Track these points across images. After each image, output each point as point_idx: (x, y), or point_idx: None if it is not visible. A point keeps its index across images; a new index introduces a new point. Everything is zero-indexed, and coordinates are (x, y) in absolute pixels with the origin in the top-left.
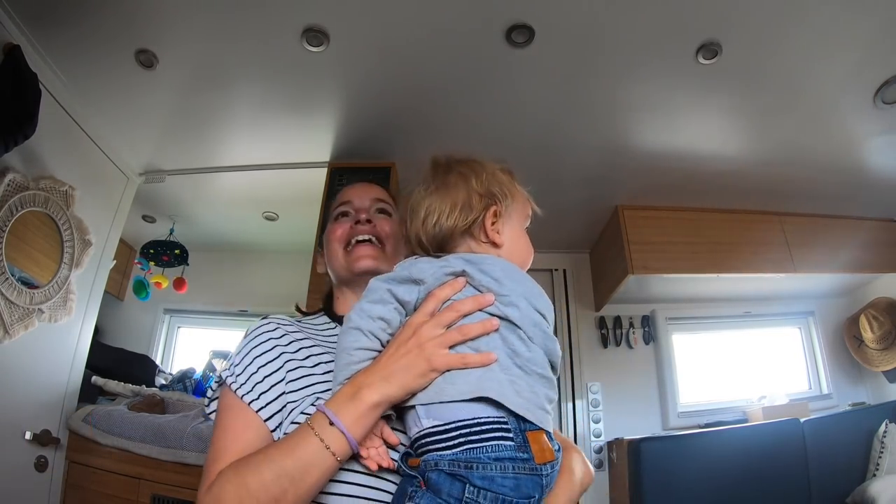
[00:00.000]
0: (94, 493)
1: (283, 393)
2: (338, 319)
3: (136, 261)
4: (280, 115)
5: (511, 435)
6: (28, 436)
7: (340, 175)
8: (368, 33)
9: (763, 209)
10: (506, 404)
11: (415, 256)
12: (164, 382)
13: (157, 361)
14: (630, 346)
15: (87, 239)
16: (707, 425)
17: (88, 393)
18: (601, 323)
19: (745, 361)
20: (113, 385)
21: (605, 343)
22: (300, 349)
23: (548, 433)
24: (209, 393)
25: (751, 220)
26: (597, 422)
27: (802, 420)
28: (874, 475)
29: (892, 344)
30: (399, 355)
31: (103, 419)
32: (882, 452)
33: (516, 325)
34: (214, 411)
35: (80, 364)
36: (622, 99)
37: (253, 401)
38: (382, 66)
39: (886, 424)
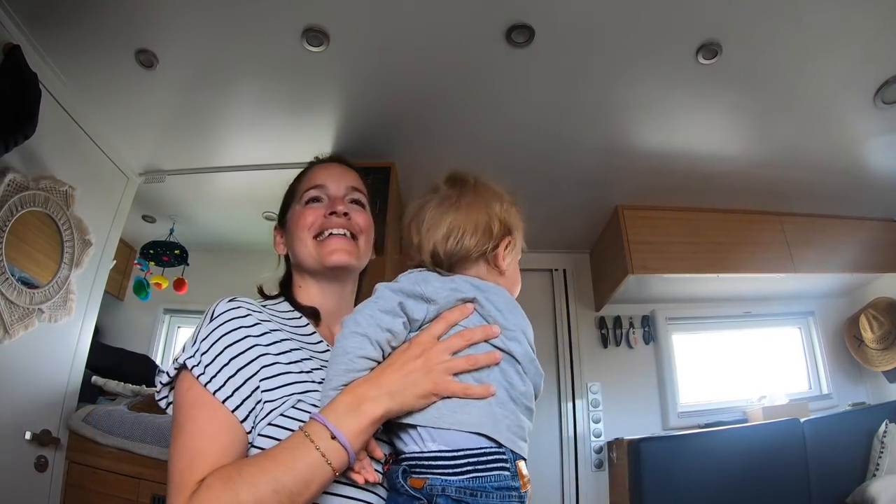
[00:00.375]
0: (94, 493)
1: (257, 390)
2: (301, 309)
3: (135, 261)
4: (280, 114)
5: (508, 465)
6: (28, 436)
7: None
8: (368, 33)
9: (763, 209)
10: (501, 441)
11: (420, 270)
12: None
13: (157, 361)
14: (630, 346)
15: (87, 239)
16: (707, 425)
17: (88, 393)
18: (601, 323)
19: (745, 361)
20: (113, 385)
21: (605, 343)
22: (273, 343)
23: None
24: (162, 378)
25: (751, 220)
26: (597, 422)
27: (802, 420)
28: (874, 475)
29: (892, 344)
30: (404, 373)
31: (103, 419)
32: (882, 452)
33: (517, 360)
34: (170, 401)
35: (80, 364)
36: (622, 98)
37: (228, 398)
38: (382, 66)
39: (886, 424)
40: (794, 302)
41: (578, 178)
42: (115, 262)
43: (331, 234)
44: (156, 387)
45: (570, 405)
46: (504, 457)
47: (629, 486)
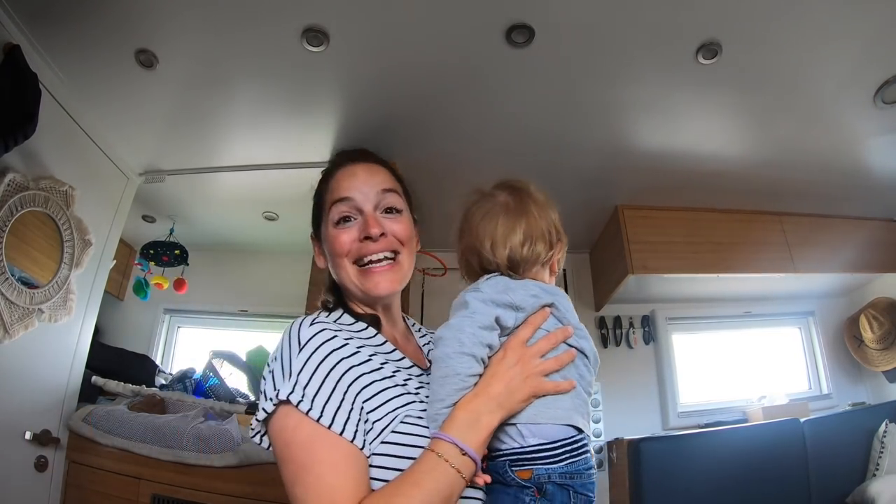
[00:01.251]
0: (94, 493)
1: (361, 411)
2: (362, 318)
3: (136, 261)
4: (280, 114)
5: (589, 447)
6: (28, 436)
7: None
8: (368, 33)
9: (763, 209)
10: (582, 427)
11: (495, 275)
12: (164, 382)
13: (157, 361)
14: (630, 346)
15: (87, 239)
16: (707, 425)
17: (88, 393)
18: (601, 323)
19: (745, 361)
20: (113, 385)
21: (605, 343)
22: (364, 362)
23: None
24: (259, 415)
25: (751, 220)
26: (597, 422)
27: (802, 420)
28: (874, 475)
29: (892, 344)
30: (507, 381)
31: (103, 419)
32: (882, 452)
33: (586, 355)
34: (263, 434)
35: (80, 364)
36: (622, 98)
37: (343, 430)
38: (382, 66)
39: (886, 424)
40: (794, 302)
41: (578, 178)
42: (115, 261)
43: (370, 261)
44: (251, 426)
45: None
46: (586, 441)
47: (629, 486)
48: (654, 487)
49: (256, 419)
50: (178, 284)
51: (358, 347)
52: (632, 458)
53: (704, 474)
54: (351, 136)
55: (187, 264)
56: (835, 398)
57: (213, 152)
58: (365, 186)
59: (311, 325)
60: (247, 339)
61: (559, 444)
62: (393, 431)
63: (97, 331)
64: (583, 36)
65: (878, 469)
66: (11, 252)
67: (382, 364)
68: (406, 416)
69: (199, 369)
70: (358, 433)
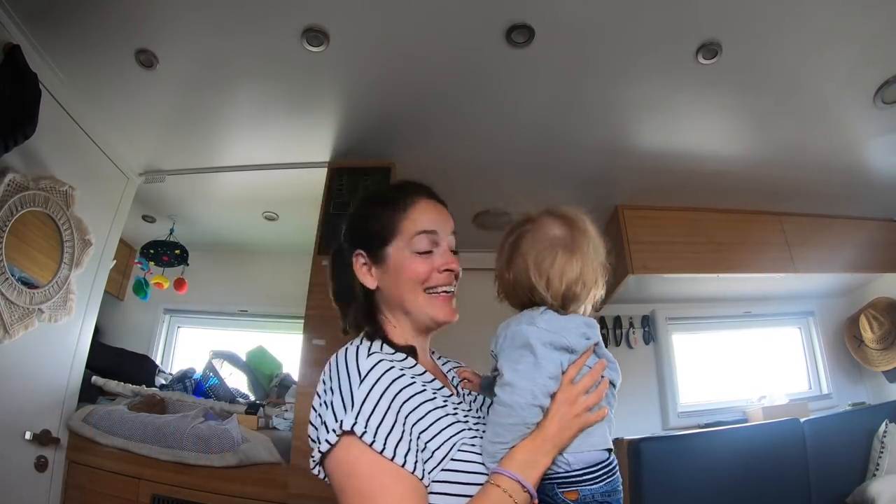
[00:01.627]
0: (94, 493)
1: (419, 440)
2: (404, 350)
3: (136, 261)
4: (280, 114)
5: (617, 467)
6: (28, 436)
7: (340, 175)
8: (368, 33)
9: (763, 209)
10: (611, 449)
11: (546, 310)
12: (164, 382)
13: (157, 361)
14: (630, 346)
15: (87, 239)
16: (707, 425)
17: (88, 393)
18: (601, 323)
19: (745, 361)
20: (113, 385)
21: (604, 343)
22: (417, 393)
23: None
24: (323, 447)
25: (751, 220)
26: None
27: (802, 420)
28: (874, 475)
29: (892, 344)
30: (559, 422)
31: (103, 419)
32: (882, 452)
33: (614, 385)
34: (319, 464)
35: (80, 364)
36: (622, 98)
37: (405, 462)
38: (382, 66)
39: (886, 424)
40: (794, 302)
41: (578, 178)
42: (115, 261)
43: (442, 291)
44: (312, 457)
45: None
46: (615, 460)
47: (629, 486)
48: (654, 487)
49: (319, 451)
50: (178, 284)
51: (410, 379)
52: (632, 458)
53: (704, 474)
54: (351, 136)
55: (187, 264)
56: (835, 398)
57: (214, 152)
58: (445, 225)
59: (369, 355)
60: (247, 339)
61: (599, 466)
62: (452, 459)
63: (97, 331)
64: (583, 36)
65: (878, 469)
66: (11, 252)
67: (433, 395)
68: (462, 443)
69: (199, 369)
70: (417, 463)
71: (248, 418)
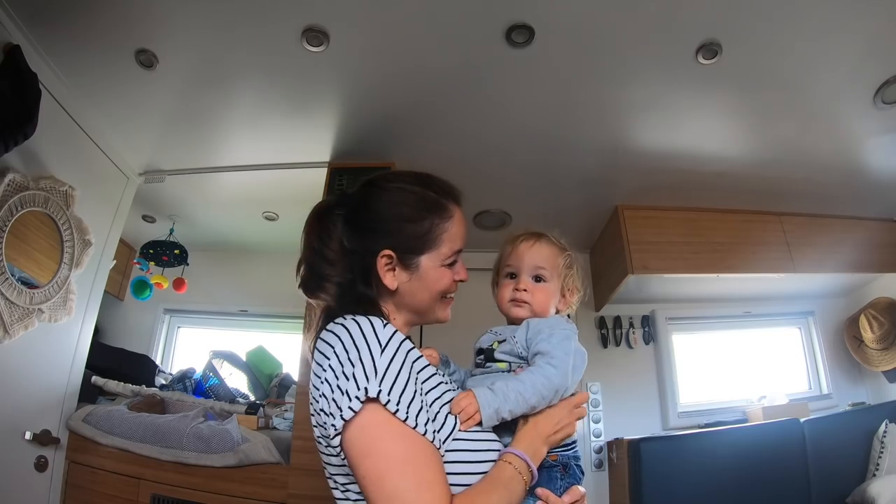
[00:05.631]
0: (94, 493)
1: (430, 409)
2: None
3: (135, 261)
4: (280, 115)
5: None
6: (28, 436)
7: (340, 175)
8: (368, 33)
9: (763, 209)
10: None
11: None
12: (164, 382)
13: (157, 361)
14: (630, 346)
15: (87, 239)
16: (707, 425)
17: (88, 393)
18: (601, 323)
19: (745, 361)
20: (113, 385)
21: (604, 343)
22: (424, 366)
23: None
24: (346, 414)
25: (751, 220)
26: (597, 422)
27: (802, 420)
28: (874, 475)
29: (892, 344)
30: (557, 428)
31: (103, 419)
32: (882, 452)
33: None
34: (339, 433)
35: (80, 364)
36: (622, 98)
37: (426, 431)
38: (382, 66)
39: (886, 424)
40: (794, 302)
41: (578, 178)
42: (115, 262)
43: (450, 296)
44: (332, 425)
45: None
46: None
47: (629, 486)
48: (654, 487)
49: (342, 418)
50: (178, 284)
51: (418, 353)
52: (632, 458)
53: (704, 474)
54: (350, 136)
55: (187, 264)
56: (835, 398)
57: (213, 152)
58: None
59: (384, 326)
60: (247, 339)
61: (572, 442)
62: (459, 430)
63: (97, 331)
64: (583, 36)
65: (877, 469)
66: (11, 252)
67: (435, 370)
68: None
69: (199, 369)
70: (435, 433)
71: (248, 418)
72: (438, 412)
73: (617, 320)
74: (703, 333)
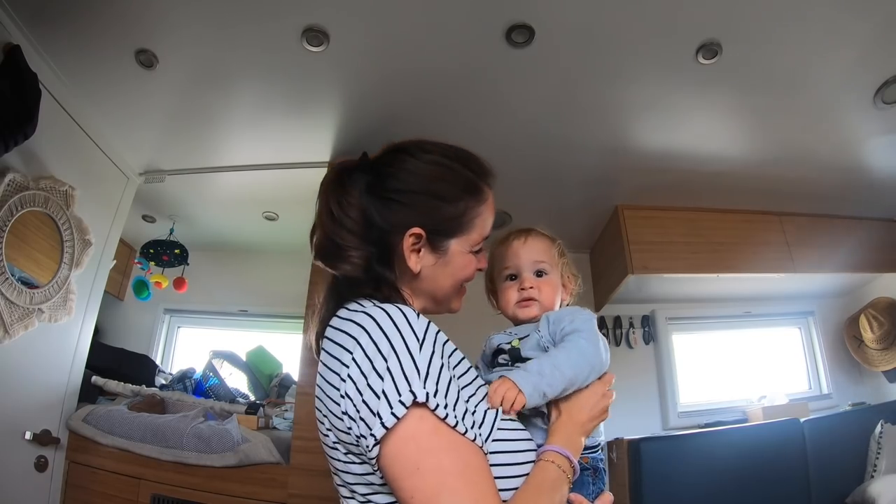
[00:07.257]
0: (94, 493)
1: (467, 404)
2: None
3: (135, 261)
4: (280, 114)
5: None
6: (28, 436)
7: None
8: (368, 33)
9: (763, 209)
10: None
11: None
12: (164, 382)
13: (157, 361)
14: (630, 346)
15: (87, 239)
16: (707, 425)
17: (88, 393)
18: (601, 323)
19: (745, 361)
20: (113, 385)
21: None
22: (460, 361)
23: None
24: (388, 421)
25: (751, 220)
26: None
27: (802, 420)
28: (872, 476)
29: (892, 344)
30: (591, 414)
31: (103, 419)
32: (879, 453)
33: None
34: (382, 437)
35: (80, 364)
36: (622, 98)
37: (475, 437)
38: (382, 66)
39: (882, 425)
40: (794, 302)
41: (578, 178)
42: (115, 261)
43: (465, 286)
44: (364, 428)
45: None
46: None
47: (629, 487)
48: (653, 487)
49: (384, 425)
50: (178, 283)
51: (453, 347)
52: (632, 458)
53: (704, 474)
54: (350, 136)
55: (187, 264)
56: (835, 398)
57: (213, 152)
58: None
59: (419, 316)
60: (247, 339)
61: (597, 443)
62: (499, 429)
63: (97, 331)
64: (583, 36)
65: (875, 470)
66: (11, 252)
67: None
68: (497, 412)
69: (199, 369)
70: (478, 437)
71: (248, 418)
72: (476, 409)
73: (617, 320)
74: (703, 333)
